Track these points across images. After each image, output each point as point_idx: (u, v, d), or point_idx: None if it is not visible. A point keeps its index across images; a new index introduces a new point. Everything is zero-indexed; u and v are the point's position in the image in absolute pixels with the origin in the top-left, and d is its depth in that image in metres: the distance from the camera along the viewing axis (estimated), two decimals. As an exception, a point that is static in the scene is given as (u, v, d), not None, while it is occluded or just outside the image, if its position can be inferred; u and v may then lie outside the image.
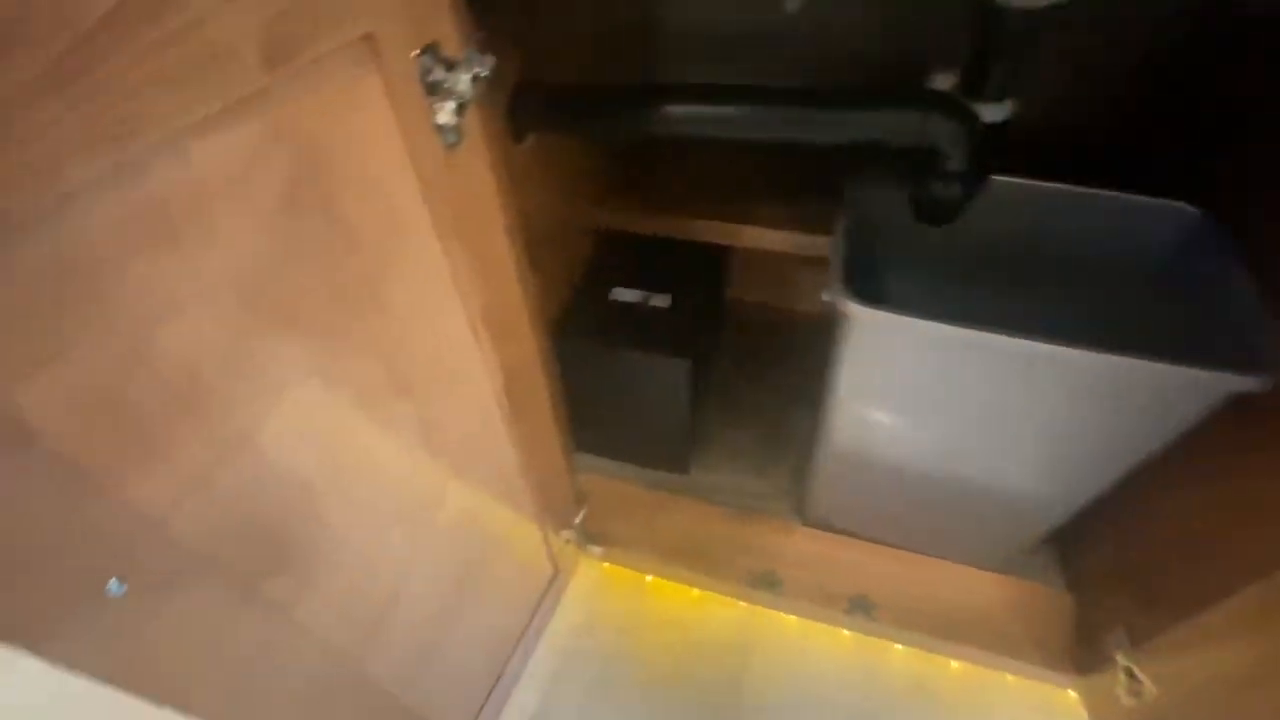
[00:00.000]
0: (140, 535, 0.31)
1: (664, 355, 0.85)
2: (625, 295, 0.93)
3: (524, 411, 0.66)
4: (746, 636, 0.90)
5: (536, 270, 0.69)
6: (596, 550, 0.96)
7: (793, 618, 0.91)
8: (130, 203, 0.27)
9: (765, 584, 0.90)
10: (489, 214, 0.51)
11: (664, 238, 0.94)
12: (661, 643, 0.90)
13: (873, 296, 0.60)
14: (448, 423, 0.55)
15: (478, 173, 0.48)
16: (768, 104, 0.64)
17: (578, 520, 0.92)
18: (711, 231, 0.92)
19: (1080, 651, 0.81)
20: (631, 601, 0.95)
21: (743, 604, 0.93)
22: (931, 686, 0.85)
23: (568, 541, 0.91)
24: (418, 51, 0.39)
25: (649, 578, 0.96)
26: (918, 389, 0.70)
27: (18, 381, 0.25)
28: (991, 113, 0.65)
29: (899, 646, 0.88)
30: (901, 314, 0.59)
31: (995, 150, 0.67)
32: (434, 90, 0.41)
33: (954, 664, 0.86)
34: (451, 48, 0.41)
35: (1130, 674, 0.70)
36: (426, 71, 0.40)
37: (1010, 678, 0.84)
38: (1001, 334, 0.57)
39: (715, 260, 1.05)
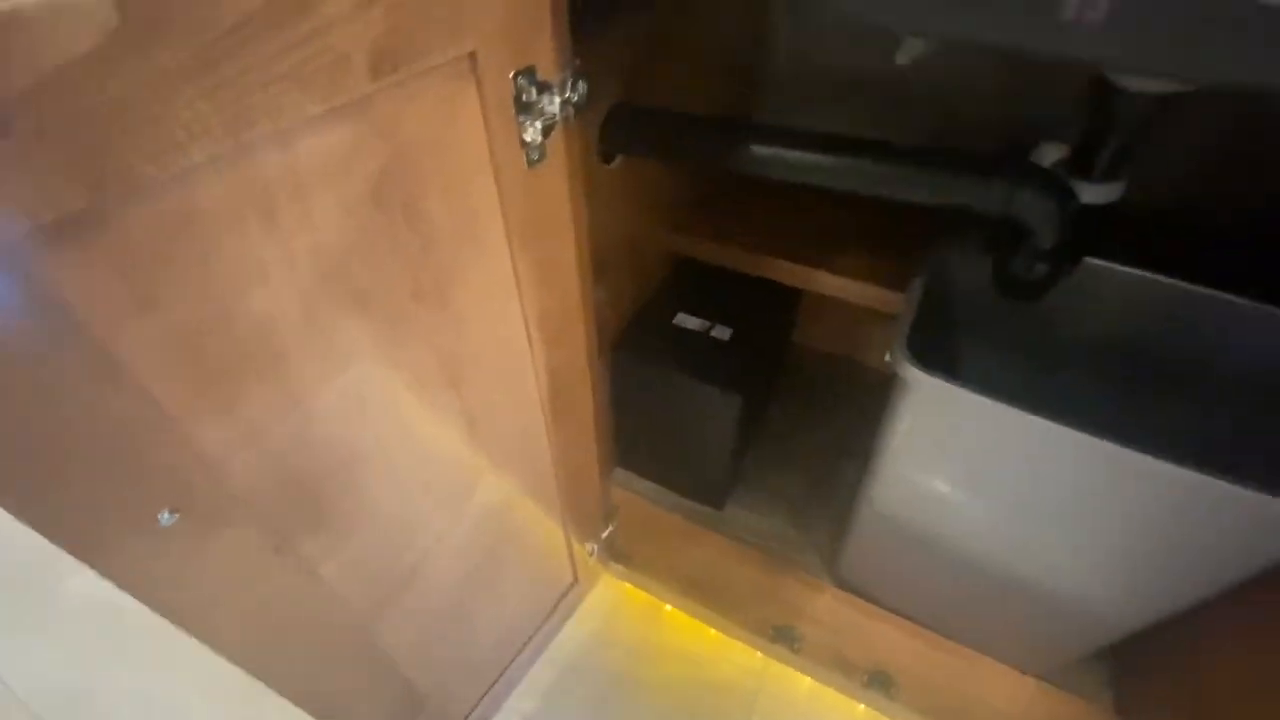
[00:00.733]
0: (198, 474, 0.35)
1: (714, 386, 0.85)
2: (688, 322, 0.94)
3: (566, 419, 0.68)
4: (755, 688, 0.88)
5: (605, 287, 0.70)
6: (619, 568, 0.96)
7: (807, 679, 0.88)
8: (239, 181, 0.30)
9: (784, 638, 0.87)
10: (560, 229, 0.54)
11: (738, 272, 0.94)
12: (669, 675, 0.89)
13: (942, 365, 0.58)
14: (491, 418, 0.58)
15: (555, 190, 0.51)
16: (854, 155, 0.63)
17: (605, 534, 0.93)
18: (786, 272, 0.91)
19: (1119, 785, 0.73)
20: (646, 627, 0.94)
21: (758, 654, 0.90)
22: (943, 784, 0.79)
23: (591, 554, 0.91)
24: (515, 73, 0.42)
25: (668, 607, 0.96)
26: (975, 468, 0.66)
27: (121, 321, 0.28)
28: (1094, 193, 0.62)
29: (914, 733, 0.83)
30: (958, 385, 0.56)
31: (1099, 234, 0.63)
32: (525, 110, 0.43)
33: (972, 766, 0.80)
34: (548, 71, 0.44)
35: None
36: (521, 92, 0.42)
37: (1034, 796, 0.78)
38: (1076, 428, 0.53)
39: (786, 301, 1.04)
